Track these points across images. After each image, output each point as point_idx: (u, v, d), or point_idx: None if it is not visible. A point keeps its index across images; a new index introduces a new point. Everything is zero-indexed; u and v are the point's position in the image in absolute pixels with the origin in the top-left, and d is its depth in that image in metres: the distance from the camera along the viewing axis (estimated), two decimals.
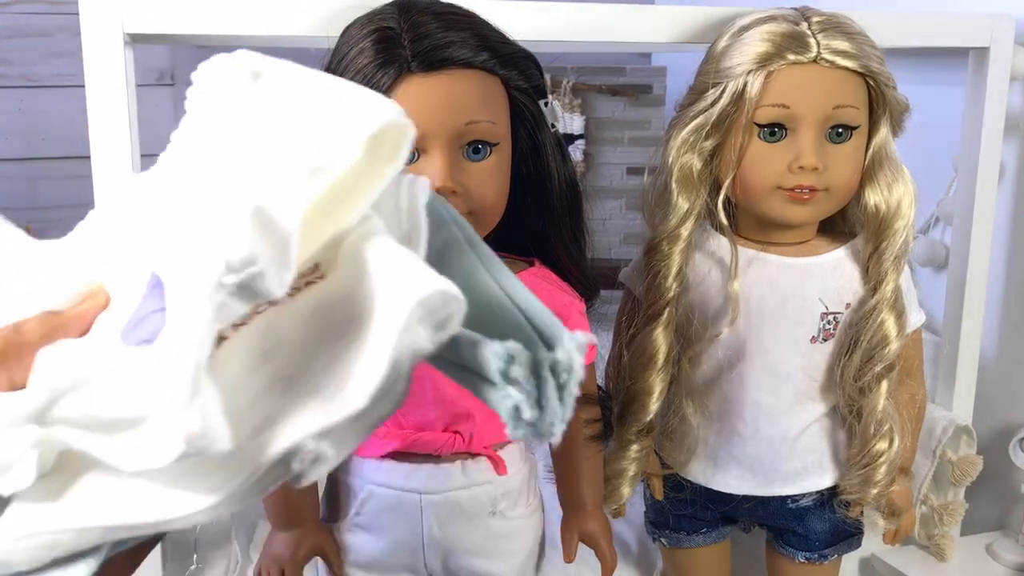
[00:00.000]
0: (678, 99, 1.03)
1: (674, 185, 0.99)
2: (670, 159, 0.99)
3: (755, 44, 0.94)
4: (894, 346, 0.99)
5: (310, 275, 0.44)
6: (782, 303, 1.01)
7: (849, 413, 1.03)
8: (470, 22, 0.85)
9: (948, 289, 1.33)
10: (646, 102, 2.06)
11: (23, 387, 0.41)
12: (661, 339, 1.01)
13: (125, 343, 0.41)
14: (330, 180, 0.41)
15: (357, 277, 0.42)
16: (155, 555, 1.02)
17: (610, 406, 1.04)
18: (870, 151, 0.98)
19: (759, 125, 0.95)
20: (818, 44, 0.93)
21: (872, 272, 1.00)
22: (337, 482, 0.96)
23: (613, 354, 1.09)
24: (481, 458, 0.93)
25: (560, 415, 0.40)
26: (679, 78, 1.11)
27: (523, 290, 0.45)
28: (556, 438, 0.40)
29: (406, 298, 0.39)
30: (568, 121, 2.01)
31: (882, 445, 1.01)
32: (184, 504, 0.39)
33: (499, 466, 0.93)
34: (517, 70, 0.87)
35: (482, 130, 0.83)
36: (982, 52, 1.22)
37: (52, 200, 2.07)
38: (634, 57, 2.26)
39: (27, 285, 0.45)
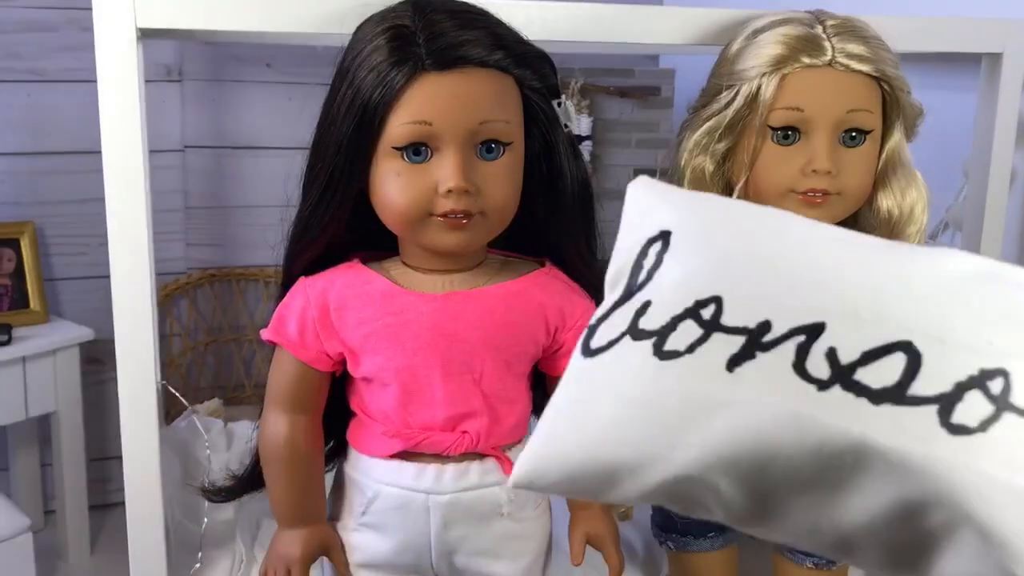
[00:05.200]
0: (690, 101, 1.03)
1: (686, 187, 0.98)
2: (683, 161, 0.99)
3: (769, 47, 0.93)
4: None
5: None
6: None
7: None
8: (484, 21, 0.85)
9: None
10: (654, 104, 2.06)
11: None
12: None
13: None
14: None
15: None
16: (159, 553, 1.02)
17: None
18: (883, 155, 0.98)
19: (773, 128, 0.94)
20: (833, 48, 0.92)
21: None
22: (344, 481, 0.96)
23: None
24: (489, 459, 0.92)
25: None
26: (687, 80, 1.11)
27: None
28: None
29: None
30: (576, 122, 2.00)
31: None
32: None
33: (507, 467, 0.93)
34: (531, 69, 0.86)
35: (496, 129, 0.83)
36: (995, 58, 1.22)
37: (58, 195, 2.07)
38: (642, 59, 2.25)
39: None
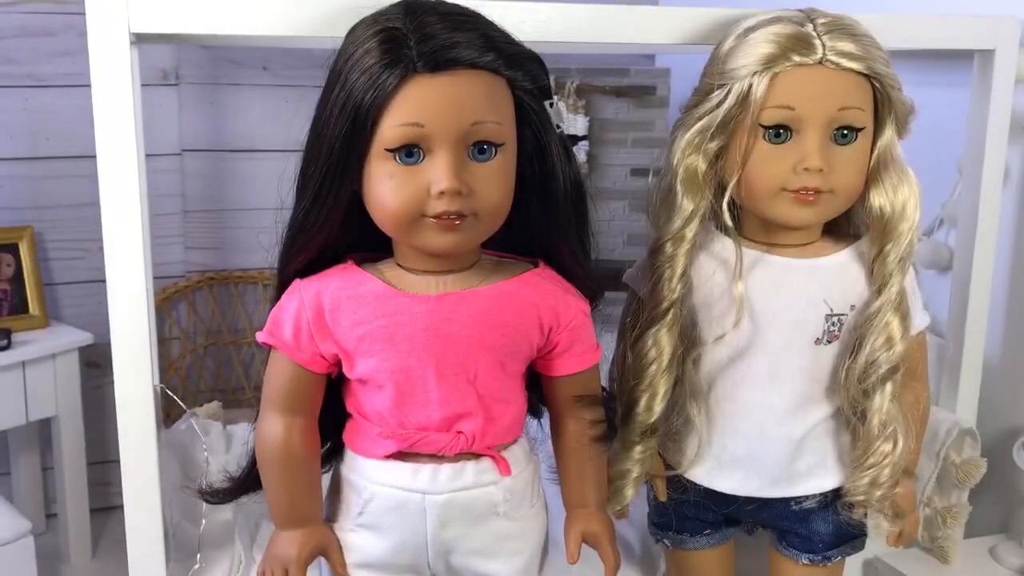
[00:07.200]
0: (683, 100, 1.03)
1: (679, 186, 0.99)
2: (675, 160, 0.99)
3: (760, 46, 0.94)
4: (899, 348, 0.99)
5: None
6: (787, 305, 1.01)
7: (853, 415, 1.03)
8: (476, 22, 0.85)
9: (952, 291, 1.33)
10: (650, 103, 2.06)
11: None
12: (665, 340, 1.01)
13: None
14: None
15: None
16: (158, 555, 1.02)
17: (614, 407, 1.04)
18: (875, 153, 0.98)
19: (764, 126, 0.95)
20: (823, 46, 0.93)
21: (877, 274, 1.00)
22: (340, 482, 0.96)
23: (617, 355, 1.09)
24: (485, 459, 0.93)
25: None
26: (683, 80, 1.11)
27: None
28: None
29: None
30: (572, 122, 2.01)
31: (886, 447, 1.01)
32: None
33: (503, 467, 0.93)
34: (523, 71, 0.87)
35: (488, 131, 0.83)
36: (987, 54, 1.22)
37: (57, 199, 2.08)
38: (638, 58, 2.26)
39: None
